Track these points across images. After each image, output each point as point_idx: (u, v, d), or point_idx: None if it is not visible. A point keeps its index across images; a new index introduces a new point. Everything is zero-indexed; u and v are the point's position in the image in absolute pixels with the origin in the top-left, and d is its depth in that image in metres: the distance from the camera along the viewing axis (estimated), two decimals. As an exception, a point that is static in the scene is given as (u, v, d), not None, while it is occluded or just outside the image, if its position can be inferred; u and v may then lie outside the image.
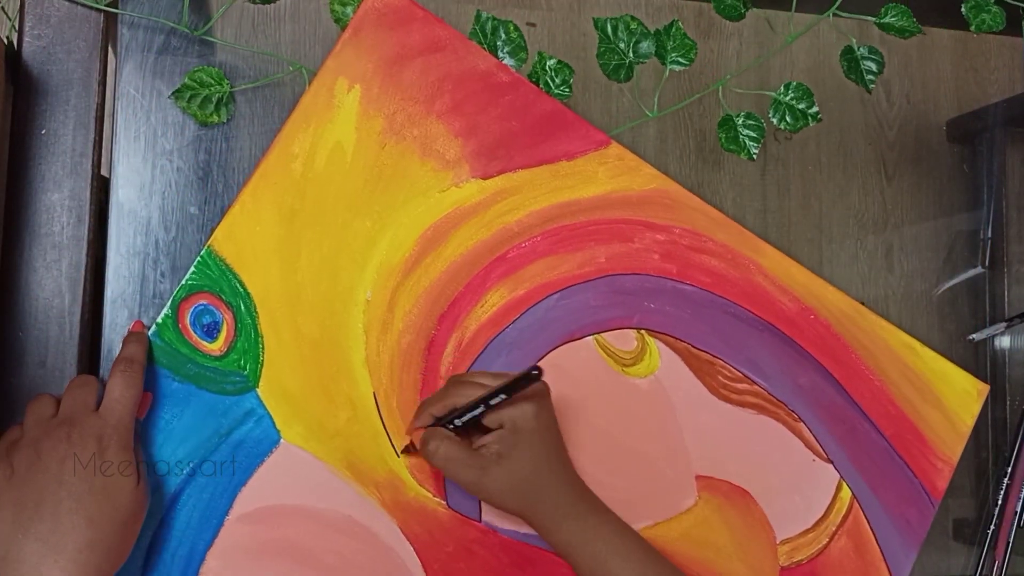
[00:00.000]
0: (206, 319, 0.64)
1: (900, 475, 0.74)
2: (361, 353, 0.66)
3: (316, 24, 0.74)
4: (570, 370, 0.70)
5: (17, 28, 0.66)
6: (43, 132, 0.65)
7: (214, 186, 0.70)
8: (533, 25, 0.78)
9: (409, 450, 0.66)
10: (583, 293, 0.71)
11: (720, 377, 0.73)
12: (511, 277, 0.70)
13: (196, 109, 0.69)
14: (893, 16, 0.77)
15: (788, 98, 0.77)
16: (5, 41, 0.63)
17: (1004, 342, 0.84)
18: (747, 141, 0.76)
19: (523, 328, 0.70)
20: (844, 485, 0.73)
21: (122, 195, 0.68)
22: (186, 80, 0.68)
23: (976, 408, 0.76)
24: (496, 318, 0.69)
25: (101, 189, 0.68)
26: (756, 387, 0.73)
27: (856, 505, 0.73)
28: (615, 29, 0.75)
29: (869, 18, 0.77)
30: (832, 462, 0.74)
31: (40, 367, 0.64)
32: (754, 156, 0.76)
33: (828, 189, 0.83)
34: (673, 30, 0.76)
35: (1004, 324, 0.82)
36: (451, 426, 0.62)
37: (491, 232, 0.70)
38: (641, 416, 0.71)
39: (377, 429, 0.66)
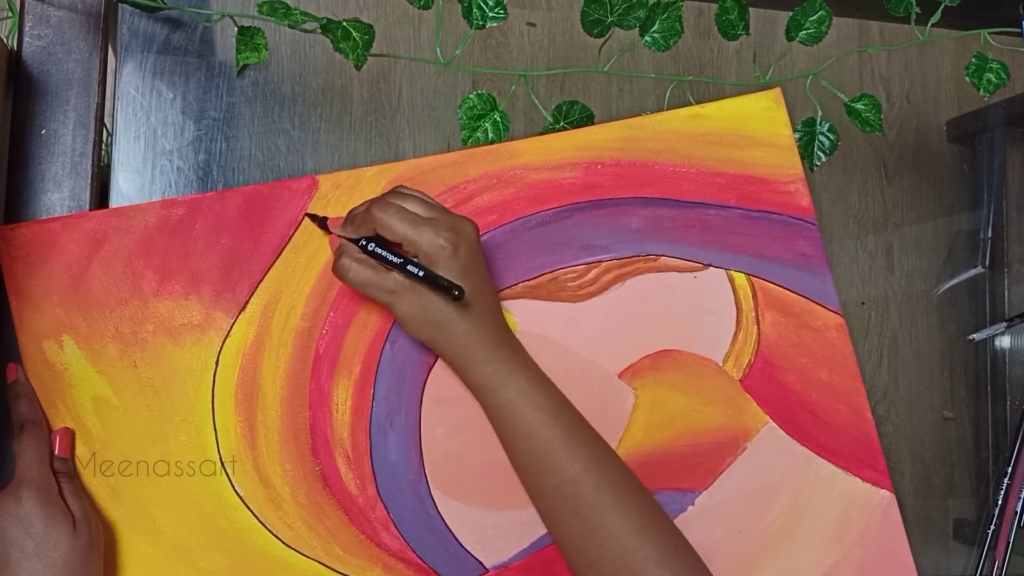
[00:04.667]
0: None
1: (767, 224, 0.74)
2: (276, 542, 0.64)
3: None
4: (451, 392, 0.67)
5: (17, 28, 0.65)
6: (43, 132, 0.65)
7: (214, 186, 0.69)
8: (533, 25, 0.77)
9: (315, 218, 0.65)
10: (407, 322, 0.68)
11: (568, 284, 0.70)
12: (339, 365, 0.66)
13: None
14: (864, 104, 0.75)
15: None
16: (5, 41, 0.63)
17: (1004, 342, 0.82)
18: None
19: (385, 395, 0.67)
20: (734, 274, 0.73)
21: (122, 195, 0.68)
22: None
23: (783, 115, 0.75)
24: (356, 409, 0.66)
25: (101, 189, 0.67)
26: (603, 264, 0.71)
27: (755, 280, 0.73)
28: None
29: (841, 95, 0.75)
30: (710, 265, 0.73)
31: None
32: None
33: (828, 189, 0.81)
34: (672, 8, 0.71)
35: (1004, 324, 0.81)
36: (363, 244, 0.60)
37: (290, 346, 0.66)
38: (537, 372, 0.69)
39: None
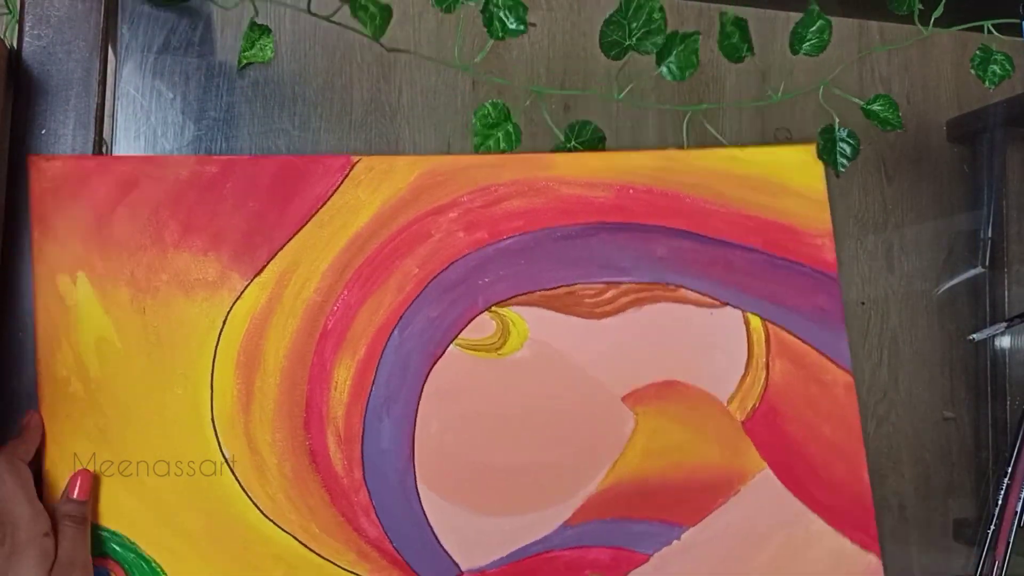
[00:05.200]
0: (91, 583, 0.59)
1: (790, 274, 0.73)
2: (255, 511, 0.63)
3: (316, 24, 0.71)
4: (453, 388, 0.67)
5: (17, 28, 0.65)
6: (43, 132, 0.64)
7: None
8: (533, 25, 0.77)
9: None
10: (419, 312, 0.67)
11: (585, 300, 0.70)
12: (344, 344, 0.66)
13: None
14: (880, 105, 0.75)
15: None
16: (5, 41, 0.63)
17: (1004, 342, 0.83)
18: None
19: (386, 381, 0.66)
20: (750, 316, 0.72)
21: None
22: None
23: (819, 169, 0.75)
24: (356, 389, 0.66)
25: None
26: (622, 286, 0.71)
27: (770, 326, 0.72)
28: (638, 9, 0.69)
29: (856, 100, 0.74)
30: (728, 303, 0.72)
31: (41, 370, 0.63)
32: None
33: (828, 189, 0.80)
34: (689, 39, 0.70)
35: (1004, 324, 0.81)
36: None
37: (299, 317, 0.65)
38: (542, 383, 0.68)
39: (319, 564, 0.63)
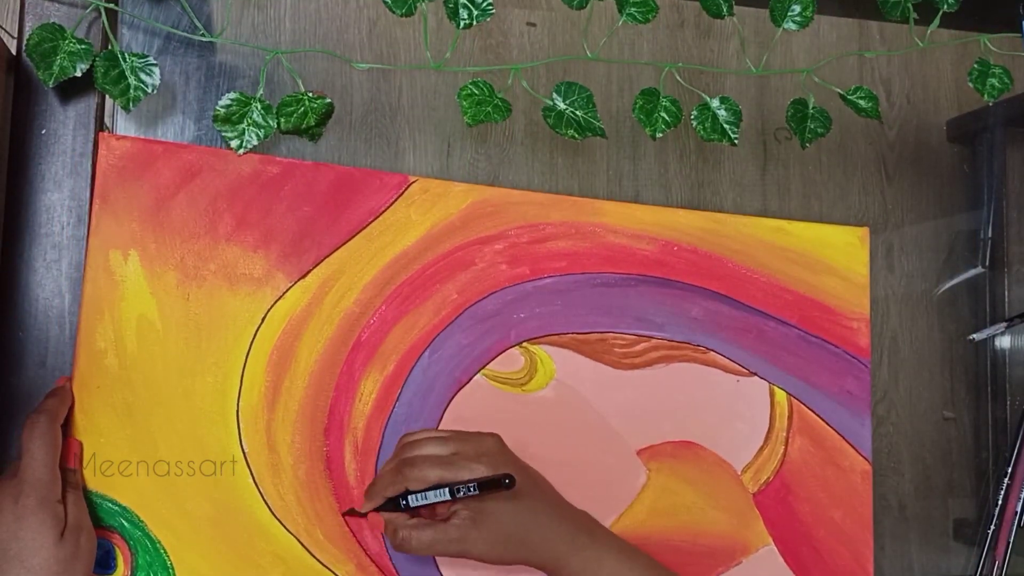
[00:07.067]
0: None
1: (822, 353, 0.74)
2: (264, 508, 0.63)
3: (316, 24, 0.73)
4: (474, 416, 0.68)
5: (18, 28, 0.64)
6: (43, 132, 0.64)
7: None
8: (533, 25, 0.76)
9: (353, 512, 0.64)
10: (451, 337, 0.68)
11: (616, 349, 0.71)
12: (375, 358, 0.67)
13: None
14: (858, 96, 0.74)
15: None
16: (5, 41, 0.62)
17: (1004, 342, 0.83)
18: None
19: (410, 400, 0.67)
20: (776, 389, 0.73)
21: None
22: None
23: (864, 254, 0.76)
24: (379, 404, 0.67)
25: None
26: (653, 340, 0.71)
27: (795, 402, 0.73)
28: None
29: (838, 90, 0.74)
30: (756, 374, 0.73)
31: (40, 367, 0.63)
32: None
33: (828, 189, 0.81)
34: None
35: (1004, 324, 0.81)
36: (404, 503, 0.59)
37: (335, 325, 0.67)
38: (561, 425, 0.69)
39: (318, 570, 0.64)
